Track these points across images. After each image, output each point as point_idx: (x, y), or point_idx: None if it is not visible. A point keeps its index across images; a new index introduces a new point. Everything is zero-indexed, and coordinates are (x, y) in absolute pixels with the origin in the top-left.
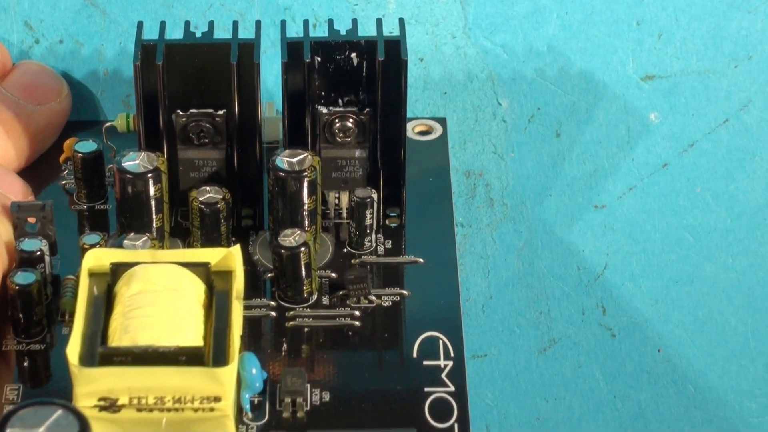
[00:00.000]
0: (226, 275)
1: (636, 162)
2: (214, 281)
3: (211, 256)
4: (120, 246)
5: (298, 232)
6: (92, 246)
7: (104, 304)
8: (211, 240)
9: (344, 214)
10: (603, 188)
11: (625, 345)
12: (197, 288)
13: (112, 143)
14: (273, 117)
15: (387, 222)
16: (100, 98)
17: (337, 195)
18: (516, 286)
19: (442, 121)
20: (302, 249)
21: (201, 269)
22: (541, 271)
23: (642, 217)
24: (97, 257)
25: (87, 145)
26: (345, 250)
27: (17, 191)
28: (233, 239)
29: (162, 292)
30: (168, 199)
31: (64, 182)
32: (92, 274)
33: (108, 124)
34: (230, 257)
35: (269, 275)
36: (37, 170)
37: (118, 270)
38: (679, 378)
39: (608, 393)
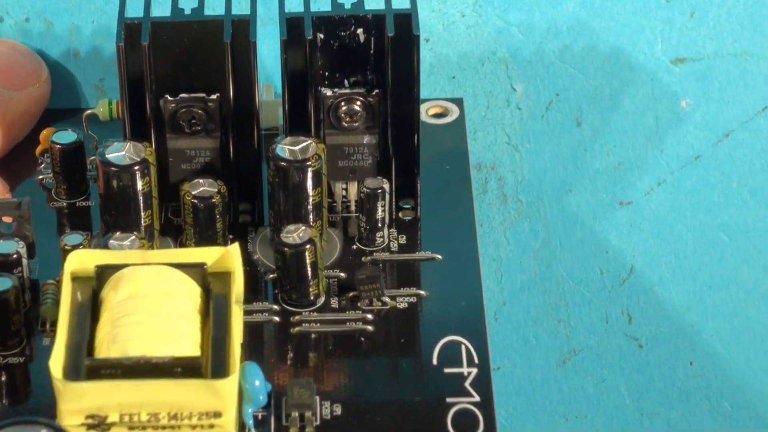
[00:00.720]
0: (224, 277)
1: (665, 154)
2: (211, 284)
3: (207, 255)
4: (105, 247)
5: (303, 227)
6: (75, 247)
7: (89, 312)
8: (206, 238)
9: (353, 207)
10: (629, 183)
11: (653, 357)
12: (192, 292)
13: (93, 133)
14: (271, 101)
15: (400, 215)
16: (76, 83)
17: (344, 186)
18: (532, 292)
19: (459, 102)
20: (307, 246)
21: (196, 271)
22: (559, 274)
23: (672, 215)
24: (81, 260)
25: (66, 136)
26: (354, 246)
27: None
28: (230, 237)
29: (153, 297)
30: (157, 194)
31: (41, 177)
32: (75, 278)
33: (88, 111)
34: (228, 257)
35: (271, 276)
36: (10, 164)
37: (104, 273)
38: (714, 394)
39: (635, 410)
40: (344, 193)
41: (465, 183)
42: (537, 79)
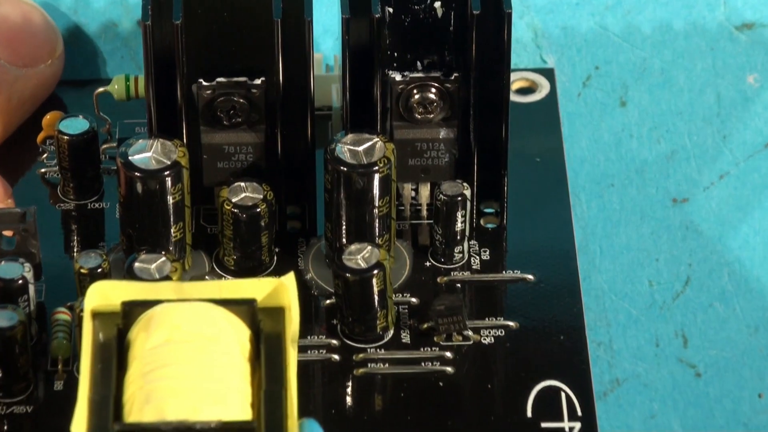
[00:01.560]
0: (276, 313)
1: (729, 141)
2: (261, 322)
3: (256, 289)
4: (130, 271)
5: (369, 248)
6: (92, 271)
7: (115, 357)
8: (248, 255)
9: (424, 213)
10: (684, 176)
11: (713, 388)
12: (240, 335)
13: (107, 115)
14: (322, 75)
15: (482, 222)
16: (84, 47)
17: (414, 187)
18: None
19: (549, 74)
20: (375, 272)
21: (244, 309)
22: (599, 287)
23: (737, 214)
24: (104, 293)
25: (76, 124)
26: (427, 263)
27: None
28: (277, 250)
29: (194, 343)
30: (190, 201)
31: (43, 170)
32: (97, 315)
33: (101, 89)
34: (282, 291)
35: (328, 302)
36: (4, 153)
37: (132, 311)
38: None
39: None
40: (413, 194)
41: (560, 179)
42: (572, 49)
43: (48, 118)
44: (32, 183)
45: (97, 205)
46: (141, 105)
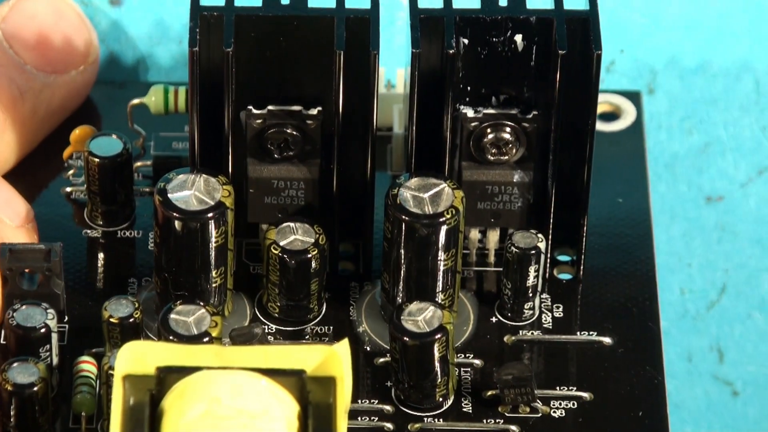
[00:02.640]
0: (327, 383)
1: None
2: (311, 394)
3: (306, 358)
4: (165, 323)
5: (431, 309)
6: (123, 321)
7: (147, 427)
8: (295, 303)
9: (491, 258)
10: (719, 172)
11: (752, 407)
12: (288, 411)
13: (140, 127)
14: (383, 93)
15: (555, 272)
16: (119, 50)
17: (481, 229)
18: None
19: (635, 98)
20: (437, 337)
21: (292, 380)
22: None
23: None
24: (137, 355)
25: (108, 144)
26: (493, 318)
27: (15, 212)
28: (326, 297)
29: (235, 420)
30: (233, 243)
31: (69, 189)
32: (128, 377)
33: (135, 101)
34: (334, 360)
35: (382, 360)
36: (25, 169)
37: (167, 378)
38: None
39: None
40: (480, 237)
41: (643, 221)
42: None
43: (77, 133)
44: (55, 203)
45: (127, 234)
46: (179, 117)
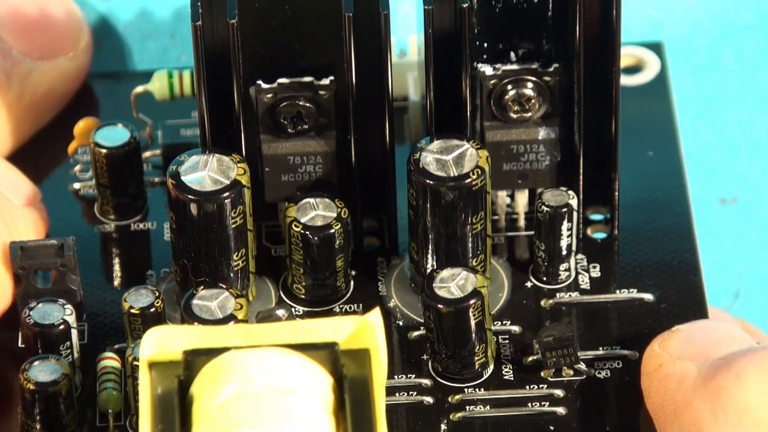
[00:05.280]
0: (361, 355)
1: None
2: (344, 367)
3: (337, 329)
4: (188, 310)
5: (463, 273)
6: (144, 311)
7: (177, 414)
8: (320, 282)
9: (521, 222)
10: (733, 171)
11: None
12: (322, 385)
13: (146, 116)
14: (396, 61)
15: (589, 232)
16: (119, 35)
17: (509, 193)
18: None
19: (657, 49)
20: (472, 302)
21: (324, 353)
22: None
23: None
24: (161, 341)
25: (115, 134)
26: (528, 283)
27: (21, 193)
28: (353, 273)
29: (269, 397)
30: (252, 224)
31: (77, 185)
32: (154, 364)
33: (139, 89)
34: (366, 330)
35: (416, 334)
36: (27, 164)
37: (194, 362)
38: None
39: None
40: (509, 201)
41: (677, 175)
42: None
43: (81, 126)
44: (63, 199)
45: (141, 226)
46: (185, 103)
